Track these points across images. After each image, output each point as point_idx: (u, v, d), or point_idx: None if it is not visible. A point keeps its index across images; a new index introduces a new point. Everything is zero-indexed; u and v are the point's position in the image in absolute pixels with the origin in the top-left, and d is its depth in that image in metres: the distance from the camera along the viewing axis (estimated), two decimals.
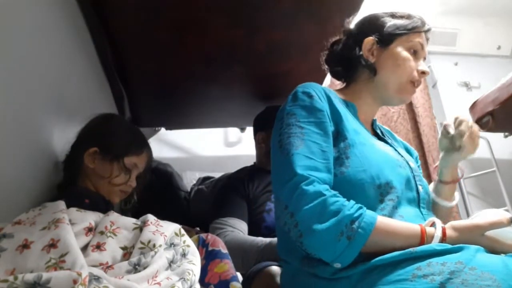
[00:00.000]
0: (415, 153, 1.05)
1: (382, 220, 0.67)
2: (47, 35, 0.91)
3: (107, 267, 0.67)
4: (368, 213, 0.67)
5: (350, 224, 0.64)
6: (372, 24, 0.92)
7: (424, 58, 0.91)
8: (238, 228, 1.25)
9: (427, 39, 0.92)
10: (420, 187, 0.83)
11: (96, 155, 0.90)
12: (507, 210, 2.10)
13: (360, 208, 0.67)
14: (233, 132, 2.38)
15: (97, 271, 0.61)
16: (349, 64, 0.94)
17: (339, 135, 0.80)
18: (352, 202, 0.68)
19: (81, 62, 1.15)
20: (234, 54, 1.33)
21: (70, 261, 0.61)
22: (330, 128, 0.79)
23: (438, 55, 2.76)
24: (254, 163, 1.56)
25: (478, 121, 1.76)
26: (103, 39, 1.19)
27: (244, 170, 1.50)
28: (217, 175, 1.77)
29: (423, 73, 0.88)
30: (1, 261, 0.59)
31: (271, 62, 1.41)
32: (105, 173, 0.90)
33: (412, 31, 0.89)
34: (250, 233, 1.28)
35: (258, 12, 1.15)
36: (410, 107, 2.42)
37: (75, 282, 0.54)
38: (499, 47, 2.83)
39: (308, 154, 0.73)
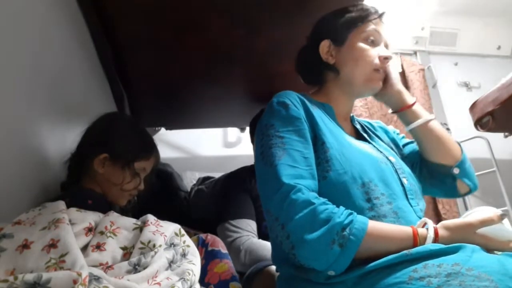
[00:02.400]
0: (395, 132, 1.07)
1: (373, 225, 0.66)
2: (47, 35, 0.91)
3: (107, 267, 0.67)
4: (359, 218, 0.66)
5: (341, 231, 0.64)
6: (325, 27, 0.94)
7: (387, 45, 0.91)
8: (250, 230, 1.26)
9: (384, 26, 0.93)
10: (404, 179, 0.83)
11: (106, 161, 0.90)
12: (507, 210, 2.10)
13: (350, 214, 0.67)
14: (232, 132, 2.38)
15: (97, 271, 0.61)
16: (314, 70, 0.96)
17: (317, 140, 0.80)
18: (342, 208, 0.68)
19: (81, 62, 1.15)
20: (234, 54, 1.34)
21: (70, 261, 0.61)
22: (309, 134, 0.79)
23: (438, 55, 2.76)
24: None
25: (478, 121, 1.76)
26: (103, 39, 1.19)
27: (244, 168, 1.51)
28: (217, 175, 1.77)
29: (385, 58, 0.88)
30: (1, 261, 0.59)
31: (271, 62, 1.41)
32: (117, 180, 0.90)
33: (364, 22, 0.89)
34: None
35: (258, 12, 1.15)
36: None
37: (75, 282, 0.54)
38: (499, 47, 2.83)
39: (292, 163, 0.73)
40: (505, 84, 1.59)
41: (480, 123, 1.75)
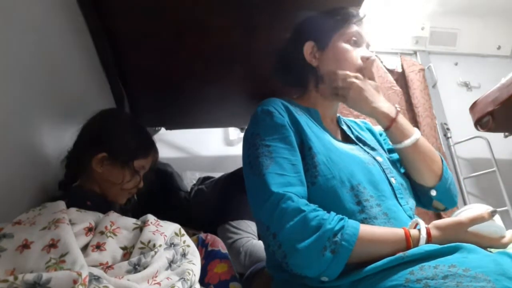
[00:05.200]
0: (382, 134, 1.03)
1: (365, 229, 0.66)
2: (47, 35, 0.91)
3: (107, 267, 0.67)
4: (350, 223, 0.66)
5: (333, 237, 0.63)
6: (308, 28, 0.94)
7: (368, 45, 0.91)
8: (250, 232, 1.26)
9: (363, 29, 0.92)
10: (392, 179, 0.82)
11: (105, 160, 0.89)
12: (507, 210, 2.10)
13: (341, 219, 0.66)
14: (233, 132, 2.38)
15: (97, 271, 0.61)
16: (296, 71, 0.95)
17: (303, 146, 0.79)
18: (332, 214, 0.68)
19: (81, 62, 1.15)
20: (234, 54, 1.33)
21: (70, 261, 0.61)
22: (295, 140, 0.79)
23: (438, 55, 2.76)
24: None
25: (478, 121, 1.76)
26: (103, 39, 1.19)
27: None
28: (217, 175, 1.77)
29: (367, 58, 0.87)
30: (1, 261, 0.59)
31: (271, 62, 1.40)
32: (116, 179, 0.89)
33: (346, 24, 0.89)
34: None
35: (258, 13, 1.15)
36: (410, 107, 2.42)
37: (75, 282, 0.54)
38: (499, 47, 2.83)
39: (280, 171, 0.73)
40: (505, 84, 1.59)
41: (480, 123, 1.76)
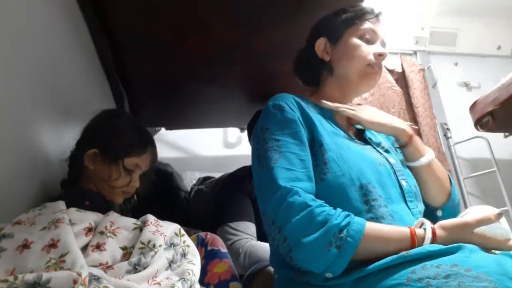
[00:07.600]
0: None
1: (370, 226, 0.66)
2: (47, 35, 0.91)
3: (107, 267, 0.67)
4: (356, 220, 0.66)
5: (339, 233, 0.63)
6: (321, 25, 0.96)
7: (384, 45, 0.92)
8: (249, 233, 1.26)
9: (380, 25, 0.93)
10: (403, 182, 0.81)
11: (97, 156, 0.89)
12: (506, 210, 2.10)
13: (347, 216, 0.66)
14: (233, 132, 2.38)
15: (97, 271, 0.61)
16: (312, 69, 0.96)
17: (314, 142, 0.79)
18: (339, 210, 0.68)
19: (81, 62, 1.15)
20: (234, 54, 1.34)
21: (70, 261, 0.61)
22: (305, 136, 0.79)
23: (438, 55, 2.76)
24: None
25: (478, 121, 1.76)
26: (103, 39, 1.19)
27: (244, 169, 1.51)
28: (217, 175, 1.77)
29: (380, 55, 0.88)
30: (1, 261, 0.59)
31: (271, 62, 1.41)
32: (104, 176, 0.89)
33: (360, 20, 0.90)
34: None
35: (258, 12, 1.15)
36: (410, 107, 2.42)
37: (75, 282, 0.54)
38: (499, 47, 2.82)
39: (288, 165, 0.73)
40: (505, 84, 1.59)
41: (480, 123, 1.76)
